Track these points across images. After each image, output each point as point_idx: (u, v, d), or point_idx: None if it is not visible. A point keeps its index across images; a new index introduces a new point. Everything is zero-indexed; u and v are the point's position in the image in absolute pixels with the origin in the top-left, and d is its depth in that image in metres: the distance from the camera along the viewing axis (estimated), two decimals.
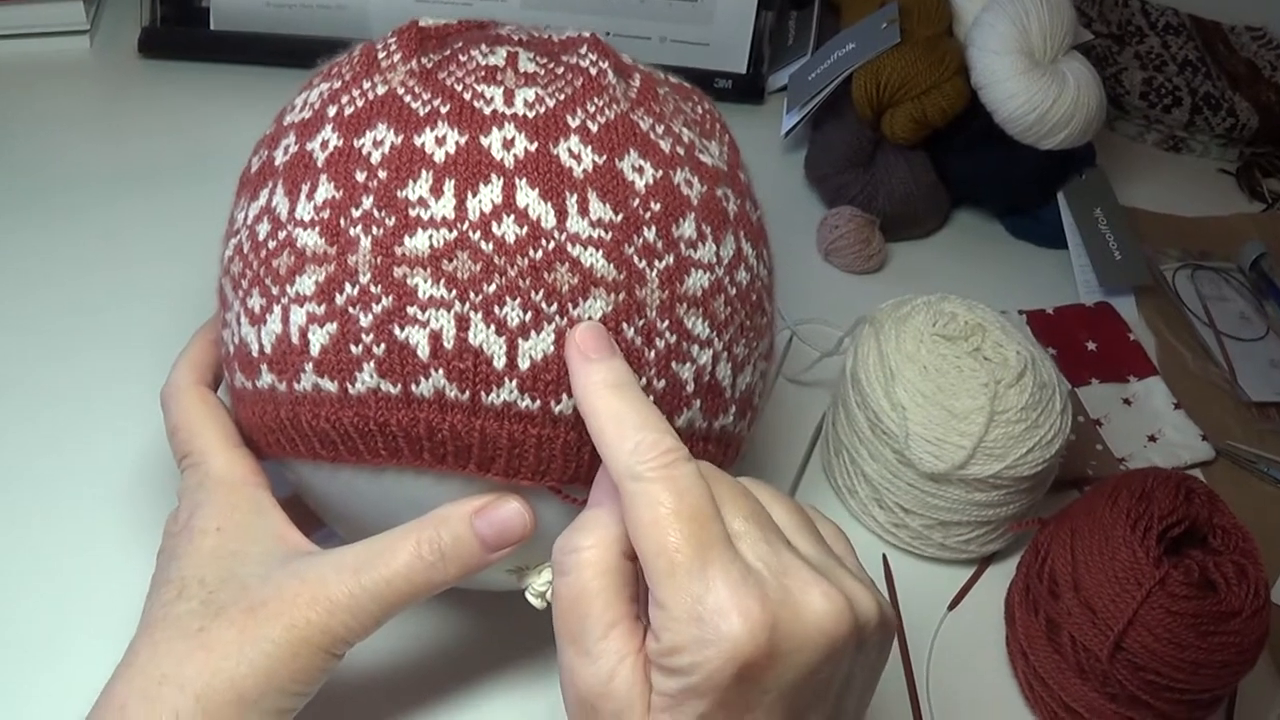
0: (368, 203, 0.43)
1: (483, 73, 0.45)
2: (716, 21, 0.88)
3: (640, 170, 0.44)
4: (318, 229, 0.43)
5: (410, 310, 0.42)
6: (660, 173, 0.45)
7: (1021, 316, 0.78)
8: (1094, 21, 1.05)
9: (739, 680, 0.36)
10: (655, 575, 0.37)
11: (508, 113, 0.44)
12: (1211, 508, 0.56)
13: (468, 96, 0.44)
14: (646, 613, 0.38)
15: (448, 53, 0.46)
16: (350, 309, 0.42)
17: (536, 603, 0.47)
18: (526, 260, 0.42)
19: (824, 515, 0.44)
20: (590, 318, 0.42)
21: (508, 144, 0.43)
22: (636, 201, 0.44)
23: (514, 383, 0.42)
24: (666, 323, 0.44)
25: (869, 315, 0.65)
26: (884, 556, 0.63)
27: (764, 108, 0.93)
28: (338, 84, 0.46)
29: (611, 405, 0.40)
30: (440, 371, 0.42)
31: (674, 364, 0.44)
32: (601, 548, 0.39)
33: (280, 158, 0.46)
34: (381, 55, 0.46)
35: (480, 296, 0.42)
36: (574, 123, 0.44)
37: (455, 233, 0.42)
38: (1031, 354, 0.61)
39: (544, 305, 0.42)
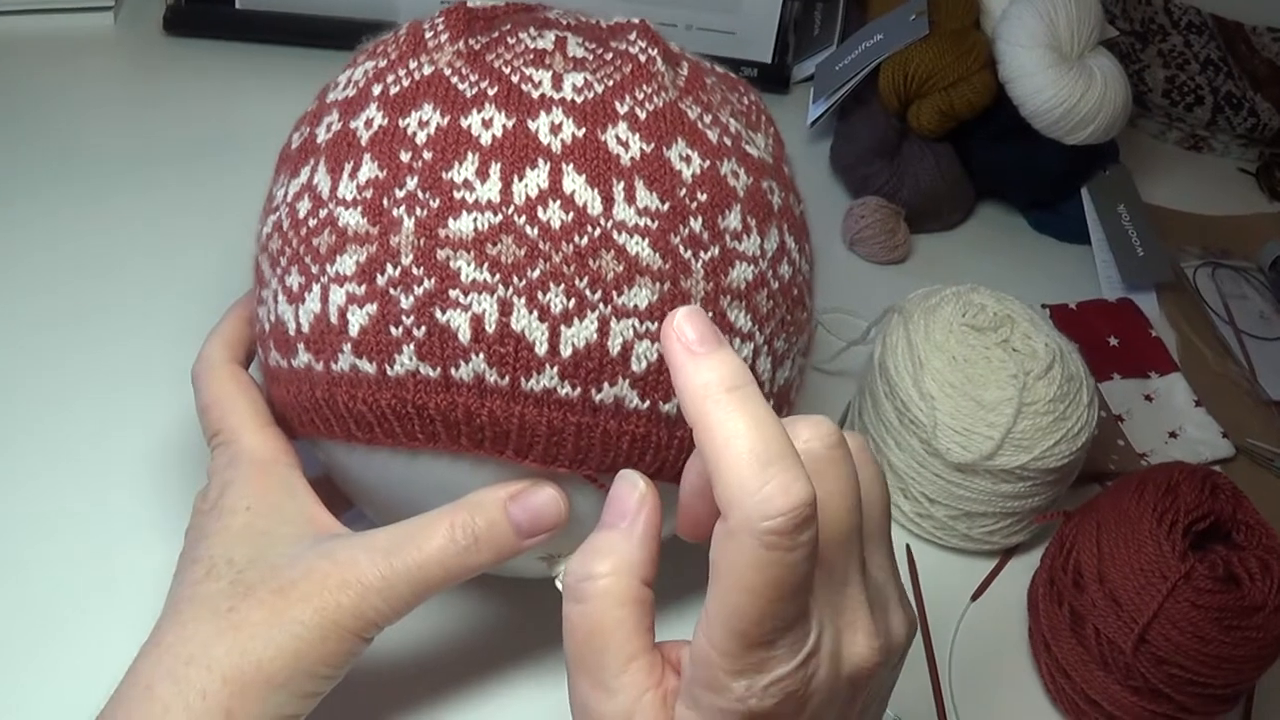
0: (412, 183, 0.42)
1: (531, 56, 0.45)
2: (743, 10, 0.88)
3: (688, 160, 0.44)
4: (360, 208, 0.43)
5: (452, 293, 0.41)
6: (707, 163, 0.45)
7: (1044, 311, 0.78)
8: (1117, 19, 1.04)
9: None
10: (725, 645, 0.33)
11: (556, 97, 0.43)
12: (1236, 503, 0.56)
13: (515, 80, 0.44)
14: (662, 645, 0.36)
15: (496, 35, 0.46)
16: (391, 290, 0.42)
17: None
18: (572, 246, 0.41)
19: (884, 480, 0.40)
20: (636, 307, 0.42)
21: (555, 129, 0.43)
22: (683, 191, 0.43)
23: (555, 369, 0.42)
24: (710, 315, 0.43)
25: (898, 305, 0.65)
26: (908, 547, 0.63)
27: (789, 97, 0.93)
28: (383, 62, 0.46)
29: (731, 422, 0.32)
30: (481, 356, 0.41)
31: None
32: (621, 575, 0.36)
33: (323, 135, 0.46)
34: (429, 35, 0.46)
35: (524, 281, 0.41)
36: (622, 109, 0.44)
37: (500, 216, 0.41)
38: (1060, 346, 0.61)
39: (588, 292, 0.41)
